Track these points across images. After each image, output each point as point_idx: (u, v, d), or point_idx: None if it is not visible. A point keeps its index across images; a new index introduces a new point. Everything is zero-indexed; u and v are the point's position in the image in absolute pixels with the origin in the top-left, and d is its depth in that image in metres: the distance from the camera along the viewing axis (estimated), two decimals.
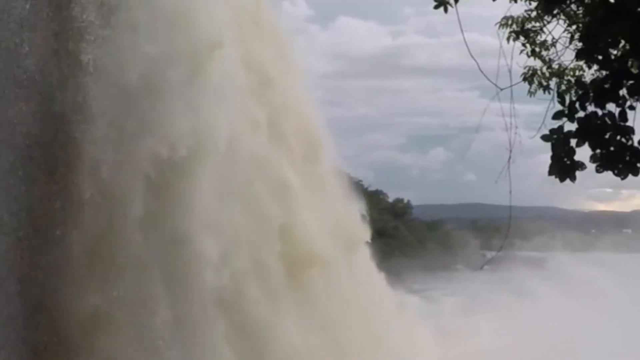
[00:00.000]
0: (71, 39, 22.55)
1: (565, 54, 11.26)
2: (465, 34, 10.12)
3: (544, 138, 7.41)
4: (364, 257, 35.66)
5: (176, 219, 23.77)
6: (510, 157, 9.67)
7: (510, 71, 10.23)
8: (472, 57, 9.96)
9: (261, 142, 28.16)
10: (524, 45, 11.71)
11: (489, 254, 69.45)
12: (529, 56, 11.76)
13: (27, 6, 21.20)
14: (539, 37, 11.65)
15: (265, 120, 28.59)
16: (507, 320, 44.14)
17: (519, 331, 41.26)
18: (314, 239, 29.46)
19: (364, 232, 35.43)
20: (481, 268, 59.55)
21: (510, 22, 11.70)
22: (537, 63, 11.87)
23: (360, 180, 72.34)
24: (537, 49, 11.74)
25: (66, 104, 22.30)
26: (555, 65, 11.64)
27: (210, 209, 24.54)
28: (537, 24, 11.57)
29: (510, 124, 9.87)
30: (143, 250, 23.29)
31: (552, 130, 7.39)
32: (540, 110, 8.95)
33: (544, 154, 7.80)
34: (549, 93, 11.50)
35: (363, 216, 35.51)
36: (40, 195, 21.66)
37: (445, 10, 9.06)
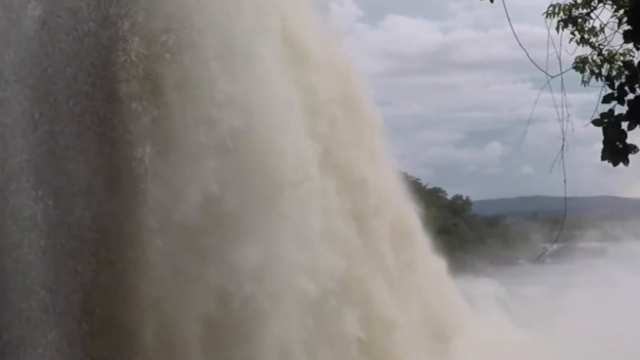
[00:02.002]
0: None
1: (615, 39, 11.19)
2: (514, 25, 10.11)
3: (595, 122, 7.37)
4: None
5: None
6: (563, 146, 9.61)
7: (559, 59, 10.17)
8: (522, 46, 9.94)
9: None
10: (572, 33, 11.63)
11: (550, 247, 68.90)
12: (578, 43, 11.68)
13: None
14: (587, 23, 11.58)
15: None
16: (590, 308, 43.63)
17: (607, 318, 40.78)
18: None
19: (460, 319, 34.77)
20: (538, 259, 59.17)
21: (557, 10, 11.63)
22: (587, 50, 11.81)
23: (418, 179, 72.31)
24: (586, 36, 11.66)
25: None
26: (605, 52, 11.55)
27: None
28: (585, 10, 11.49)
29: (562, 112, 9.83)
30: None
31: (602, 115, 7.35)
32: (593, 98, 8.90)
33: (599, 143, 7.76)
34: (602, 80, 11.40)
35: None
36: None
37: (492, 0, 9.04)
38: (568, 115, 9.73)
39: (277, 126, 23.94)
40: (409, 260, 30.95)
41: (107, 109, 21.39)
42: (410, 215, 33.37)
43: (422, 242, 33.41)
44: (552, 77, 9.56)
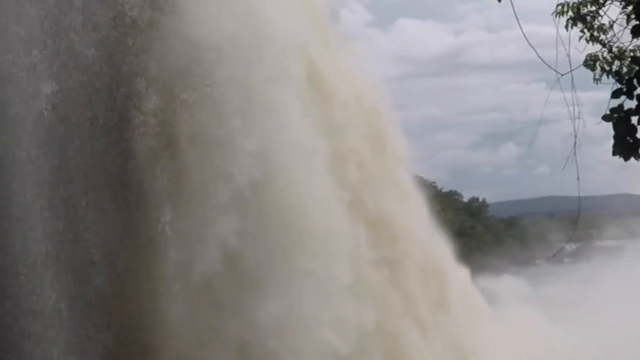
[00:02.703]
0: None
1: (624, 36, 11.22)
2: (524, 26, 10.16)
3: (605, 118, 7.40)
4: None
5: None
6: (575, 143, 9.66)
7: (569, 56, 10.21)
8: (530, 45, 9.99)
9: None
10: (582, 31, 11.66)
11: (568, 247, 68.68)
12: (587, 41, 11.70)
13: None
14: (596, 21, 11.60)
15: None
16: (616, 303, 43.43)
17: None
18: None
19: None
20: (554, 257, 59.02)
21: (566, 8, 11.66)
22: (597, 48, 11.82)
23: (434, 182, 72.24)
24: (596, 34, 11.68)
25: None
26: (615, 49, 11.57)
27: None
28: (593, 8, 11.52)
29: (573, 109, 9.87)
30: None
31: (612, 110, 7.37)
32: (606, 96, 8.92)
33: (612, 141, 7.76)
34: (613, 77, 11.41)
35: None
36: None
37: None
38: (579, 112, 9.77)
39: (300, 176, 23.47)
40: (440, 298, 30.62)
41: (123, 167, 21.17)
42: (438, 247, 33.06)
43: (450, 271, 33.03)
44: (562, 74, 9.60)
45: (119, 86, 21.17)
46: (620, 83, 7.40)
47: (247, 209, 22.02)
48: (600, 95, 10.60)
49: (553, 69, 9.64)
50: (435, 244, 32.68)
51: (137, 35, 21.42)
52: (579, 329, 39.12)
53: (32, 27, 19.71)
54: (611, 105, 7.99)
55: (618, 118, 7.36)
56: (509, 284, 50.54)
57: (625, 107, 7.43)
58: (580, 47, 11.53)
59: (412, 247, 29.45)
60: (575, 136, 9.77)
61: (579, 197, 11.21)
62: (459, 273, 35.05)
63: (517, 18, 9.56)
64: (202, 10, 22.13)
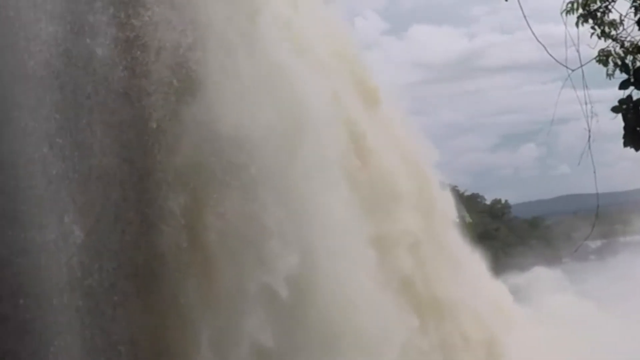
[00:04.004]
0: None
1: (635, 30, 11.30)
2: (539, 26, 10.28)
3: (614, 109, 7.50)
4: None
5: None
6: (589, 138, 9.76)
7: (578, 52, 10.31)
8: (540, 42, 10.11)
9: None
10: (592, 27, 11.75)
11: (593, 244, 68.51)
12: (599, 37, 11.80)
13: None
14: (606, 16, 11.69)
15: None
16: None
17: None
18: None
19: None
20: (575, 251, 58.90)
21: (575, 5, 11.75)
22: (609, 43, 11.90)
23: (456, 186, 72.15)
24: (607, 29, 11.78)
25: None
26: (627, 43, 11.65)
27: None
28: (603, 4, 11.61)
29: (586, 106, 9.99)
30: None
31: (620, 101, 7.46)
32: (622, 92, 9.01)
33: None
34: (621, 71, 11.49)
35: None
36: None
37: None
38: (592, 107, 9.88)
39: (343, 269, 22.38)
40: None
41: (149, 266, 20.13)
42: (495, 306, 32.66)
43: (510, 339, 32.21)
44: (573, 70, 9.72)
45: (143, 183, 20.32)
46: (627, 74, 7.49)
47: (282, 305, 20.84)
48: (618, 92, 10.71)
49: (563, 65, 9.77)
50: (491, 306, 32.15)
51: (161, 135, 20.34)
52: (628, 320, 38.88)
53: (49, 126, 18.92)
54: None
55: (627, 109, 7.45)
56: (545, 275, 50.51)
57: (635, 98, 7.53)
58: (594, 45, 11.64)
59: (466, 324, 28.88)
60: (589, 131, 9.89)
61: (597, 193, 11.30)
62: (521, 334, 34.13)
63: (525, 17, 9.71)
64: (233, 100, 20.85)
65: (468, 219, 36.51)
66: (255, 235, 20.82)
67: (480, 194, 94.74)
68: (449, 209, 32.30)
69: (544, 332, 34.46)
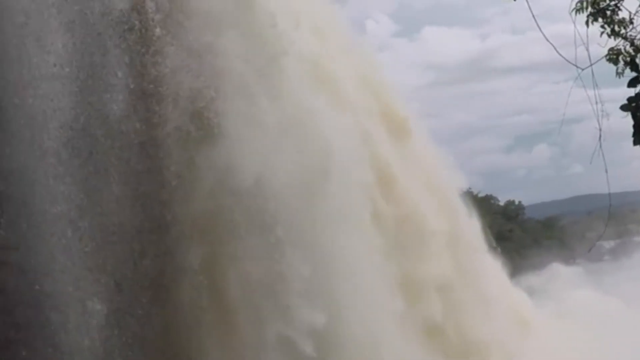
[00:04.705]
0: None
1: None
2: (552, 25, 10.25)
3: (623, 108, 7.45)
4: None
5: None
6: (600, 136, 9.72)
7: (587, 50, 10.28)
8: (549, 41, 10.11)
9: None
10: (602, 26, 11.70)
11: (607, 244, 68.33)
12: (609, 36, 11.74)
13: None
14: (615, 15, 11.64)
15: None
16: None
17: None
18: None
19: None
20: (589, 251, 58.82)
21: (585, 4, 11.69)
22: (618, 42, 11.85)
23: (469, 188, 72.01)
24: (616, 28, 11.72)
25: None
26: (637, 42, 11.60)
27: None
28: (612, 2, 11.56)
29: (596, 103, 9.94)
30: None
31: (630, 99, 7.42)
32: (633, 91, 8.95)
33: None
34: (632, 70, 11.43)
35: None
36: None
37: None
38: (602, 106, 9.84)
39: (370, 322, 21.68)
40: None
41: (167, 325, 19.47)
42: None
43: None
44: (583, 69, 9.68)
45: (162, 236, 19.61)
46: (637, 72, 7.45)
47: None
48: (629, 90, 10.65)
49: (573, 64, 9.75)
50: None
51: (179, 186, 19.61)
52: None
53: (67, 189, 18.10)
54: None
55: (636, 107, 7.40)
56: (564, 272, 50.43)
57: None
58: (604, 43, 11.59)
59: None
60: (600, 130, 9.85)
61: (609, 193, 11.24)
62: None
63: (534, 17, 9.67)
64: (254, 148, 19.97)
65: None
66: (280, 291, 20.02)
67: (494, 195, 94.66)
68: (477, 239, 31.78)
69: (572, 338, 33.97)
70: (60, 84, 18.04)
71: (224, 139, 19.62)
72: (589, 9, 11.61)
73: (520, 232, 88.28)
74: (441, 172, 30.66)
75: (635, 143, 7.58)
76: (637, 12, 11.36)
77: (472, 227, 32.06)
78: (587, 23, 11.57)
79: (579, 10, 11.66)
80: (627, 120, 8.58)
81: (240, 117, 19.85)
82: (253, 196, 19.63)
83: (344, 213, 21.55)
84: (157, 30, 19.84)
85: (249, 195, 19.62)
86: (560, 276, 49.91)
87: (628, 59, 11.65)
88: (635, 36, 11.56)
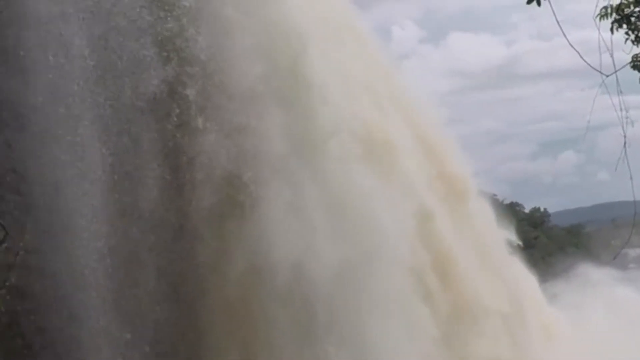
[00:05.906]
0: None
1: None
2: (576, 31, 10.25)
3: None
4: None
5: None
6: (625, 143, 9.73)
7: (612, 56, 10.27)
8: (574, 48, 10.10)
9: None
10: (626, 33, 11.68)
11: (632, 251, 67.95)
12: (633, 43, 11.73)
13: None
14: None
15: None
16: None
17: None
18: None
19: None
20: (614, 259, 58.68)
21: (610, 10, 11.67)
22: None
23: (495, 195, 71.92)
24: None
25: None
26: None
27: None
28: (637, 9, 11.53)
29: (621, 110, 9.94)
30: None
31: None
32: None
33: None
34: None
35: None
36: None
37: (539, 3, 9.19)
38: (627, 112, 9.84)
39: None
40: None
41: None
42: None
43: None
44: (607, 76, 9.68)
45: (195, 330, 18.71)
46: None
47: None
48: None
49: (598, 71, 9.75)
50: None
51: (210, 269, 18.54)
52: None
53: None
54: None
55: None
56: (595, 271, 50.36)
57: None
58: (629, 50, 11.59)
59: None
60: (625, 136, 9.85)
61: (634, 200, 11.22)
62: None
63: (558, 23, 9.67)
64: (293, 236, 18.79)
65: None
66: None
67: (520, 202, 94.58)
68: (537, 309, 31.62)
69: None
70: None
71: (257, 224, 18.53)
72: (614, 15, 11.60)
73: (546, 240, 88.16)
74: (493, 228, 29.77)
75: None
76: None
77: (529, 283, 31.72)
78: (611, 29, 11.55)
79: (603, 16, 11.64)
80: None
81: (278, 202, 18.78)
82: (289, 286, 18.56)
83: (391, 298, 20.52)
84: (195, 115, 18.79)
85: (285, 283, 18.53)
86: (594, 274, 49.76)
87: None
88: None
